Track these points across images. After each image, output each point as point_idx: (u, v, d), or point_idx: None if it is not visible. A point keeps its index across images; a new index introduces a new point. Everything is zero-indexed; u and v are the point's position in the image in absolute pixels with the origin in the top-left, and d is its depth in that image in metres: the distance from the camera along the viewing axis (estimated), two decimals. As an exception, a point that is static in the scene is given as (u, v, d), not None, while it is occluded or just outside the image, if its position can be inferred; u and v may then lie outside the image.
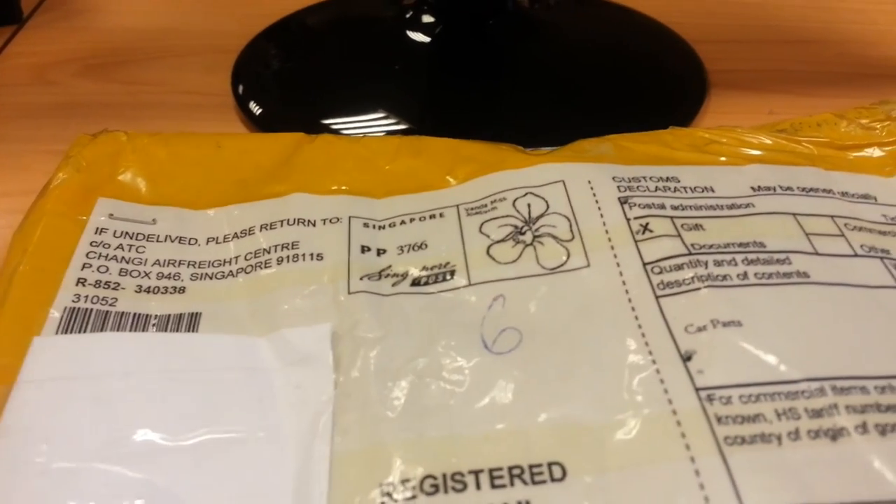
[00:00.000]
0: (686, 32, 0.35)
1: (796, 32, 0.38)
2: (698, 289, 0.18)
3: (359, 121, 0.29)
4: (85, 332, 0.18)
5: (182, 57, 0.36)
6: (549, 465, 0.15)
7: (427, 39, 0.33)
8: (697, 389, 0.16)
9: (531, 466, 0.15)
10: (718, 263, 0.18)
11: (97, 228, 0.20)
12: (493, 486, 0.15)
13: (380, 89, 0.31)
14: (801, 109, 0.31)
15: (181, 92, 0.33)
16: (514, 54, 0.33)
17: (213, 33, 0.37)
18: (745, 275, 0.18)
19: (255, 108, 0.30)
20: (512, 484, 0.15)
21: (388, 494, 0.15)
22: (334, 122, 0.29)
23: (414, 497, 0.15)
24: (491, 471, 0.15)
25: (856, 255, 0.19)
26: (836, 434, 0.15)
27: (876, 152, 0.23)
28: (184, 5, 0.40)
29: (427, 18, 0.33)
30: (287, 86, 0.32)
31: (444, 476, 0.15)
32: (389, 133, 0.28)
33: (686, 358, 0.16)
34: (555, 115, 0.30)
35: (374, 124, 0.29)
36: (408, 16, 0.34)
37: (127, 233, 0.20)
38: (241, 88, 0.32)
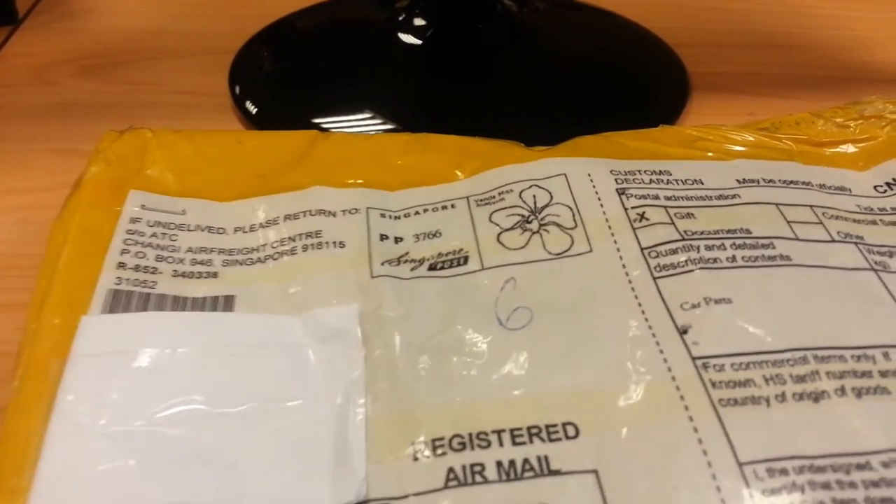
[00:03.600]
0: (669, 36, 0.37)
1: (775, 37, 0.39)
2: (692, 270, 0.20)
3: (351, 120, 0.30)
4: (129, 311, 0.19)
5: (178, 58, 0.36)
6: (564, 424, 0.17)
7: (418, 42, 0.34)
8: (693, 358, 0.18)
9: (547, 426, 0.17)
10: (709, 248, 0.20)
11: (131, 218, 0.21)
12: (515, 444, 0.16)
13: (372, 90, 0.32)
14: (779, 111, 0.32)
15: (178, 92, 0.34)
16: (503, 57, 0.34)
17: (208, 35, 0.38)
18: (734, 258, 0.20)
19: (252, 108, 0.31)
20: (531, 441, 0.16)
21: (421, 450, 0.16)
22: (328, 120, 0.30)
23: (444, 453, 0.16)
24: (511, 430, 0.17)
25: (833, 241, 0.21)
26: (817, 396, 0.17)
27: (850, 148, 0.25)
28: (178, 7, 0.41)
29: (418, 21, 0.34)
30: (283, 86, 0.33)
31: (470, 435, 0.17)
32: (381, 132, 0.29)
33: (682, 331, 0.18)
34: (542, 115, 0.31)
35: (366, 124, 0.30)
36: (400, 18, 0.35)
37: (159, 222, 0.21)
38: (237, 89, 0.33)
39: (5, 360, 0.21)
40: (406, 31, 0.34)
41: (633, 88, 0.33)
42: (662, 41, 0.36)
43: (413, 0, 0.35)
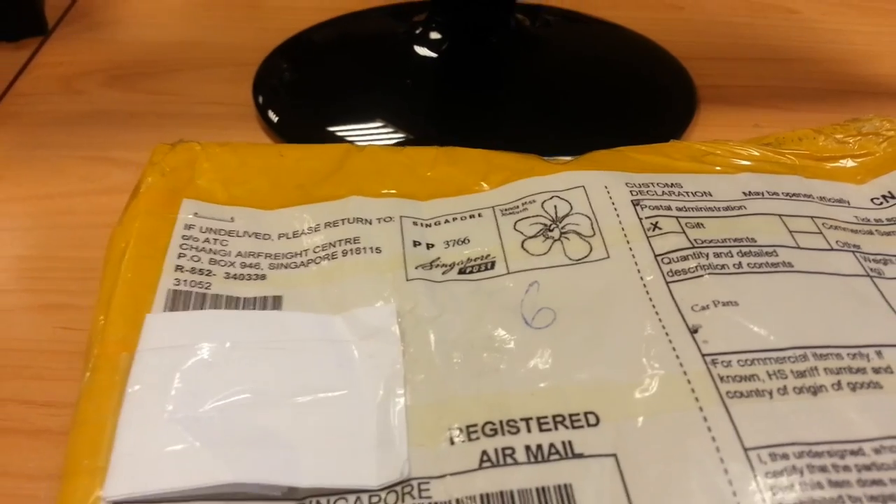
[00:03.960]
0: (676, 50, 0.38)
1: (780, 51, 0.40)
2: (701, 276, 0.21)
3: (370, 129, 0.32)
4: (188, 310, 0.21)
5: (203, 69, 0.38)
6: (585, 414, 0.18)
7: (434, 55, 0.35)
8: (703, 355, 0.19)
9: (570, 415, 0.18)
10: (717, 255, 0.22)
11: (186, 224, 0.23)
12: (541, 430, 0.18)
13: (390, 100, 0.34)
14: (784, 123, 0.34)
15: (204, 102, 0.35)
16: (516, 69, 0.36)
17: (232, 47, 0.39)
18: (740, 264, 0.22)
19: (274, 118, 0.33)
20: (556, 428, 0.18)
21: (456, 435, 0.18)
22: (347, 129, 0.32)
23: (478, 438, 0.18)
24: (538, 418, 0.18)
25: (832, 249, 0.23)
26: (816, 390, 0.19)
27: (849, 163, 0.27)
28: (202, 20, 0.42)
29: (434, 35, 0.36)
30: (304, 96, 0.35)
31: (501, 422, 0.18)
32: (398, 141, 0.31)
33: (693, 331, 0.20)
34: (555, 125, 0.32)
35: (384, 133, 0.32)
36: (416, 32, 0.36)
37: (211, 228, 0.23)
38: (261, 99, 0.34)
39: (47, 357, 0.23)
40: (422, 45, 0.36)
41: (643, 100, 0.35)
42: (670, 54, 0.38)
43: (429, 15, 0.37)
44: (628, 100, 0.34)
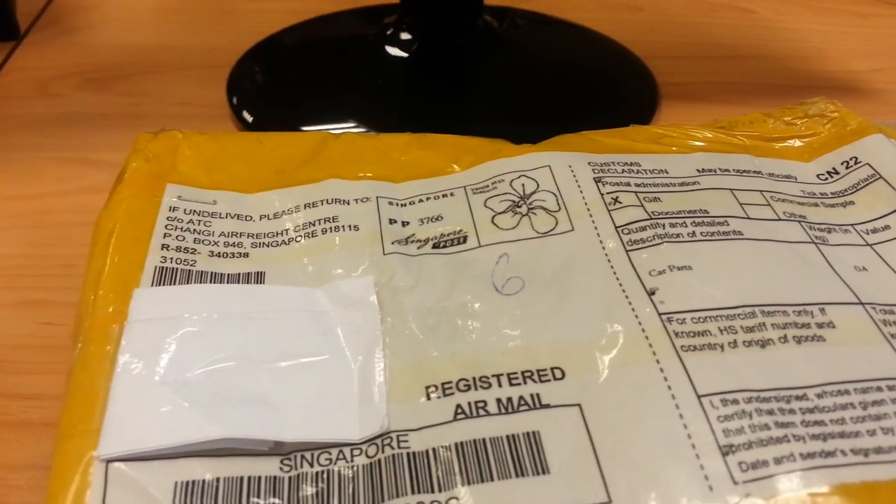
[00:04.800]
0: (638, 49, 0.40)
1: (738, 49, 0.42)
2: (658, 244, 0.23)
3: (343, 127, 0.33)
4: (174, 285, 0.22)
5: (177, 71, 0.38)
6: (552, 369, 0.20)
7: (405, 55, 0.36)
8: (660, 314, 0.21)
9: (538, 370, 0.20)
10: (673, 225, 0.23)
11: (170, 207, 0.24)
12: (511, 385, 0.19)
13: (362, 100, 0.34)
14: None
15: (178, 103, 0.36)
16: (485, 69, 0.37)
17: (205, 49, 0.40)
18: (694, 233, 0.23)
19: (249, 118, 0.33)
20: (525, 382, 0.19)
21: (433, 392, 0.19)
22: (321, 128, 0.32)
23: (452, 393, 0.19)
24: (508, 374, 0.20)
25: (779, 220, 0.24)
26: (764, 343, 0.20)
27: (797, 143, 0.28)
28: (174, 23, 0.43)
29: (405, 36, 0.37)
30: (278, 97, 0.35)
31: (474, 378, 0.20)
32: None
33: (651, 293, 0.21)
34: (521, 123, 0.34)
35: (356, 131, 0.32)
36: (387, 33, 0.37)
37: (194, 210, 0.24)
38: (235, 99, 0.35)
39: (28, 352, 0.24)
40: (393, 45, 0.37)
41: (607, 98, 0.36)
42: (633, 54, 0.39)
43: (400, 16, 0.38)
44: (592, 97, 0.36)
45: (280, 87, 0.36)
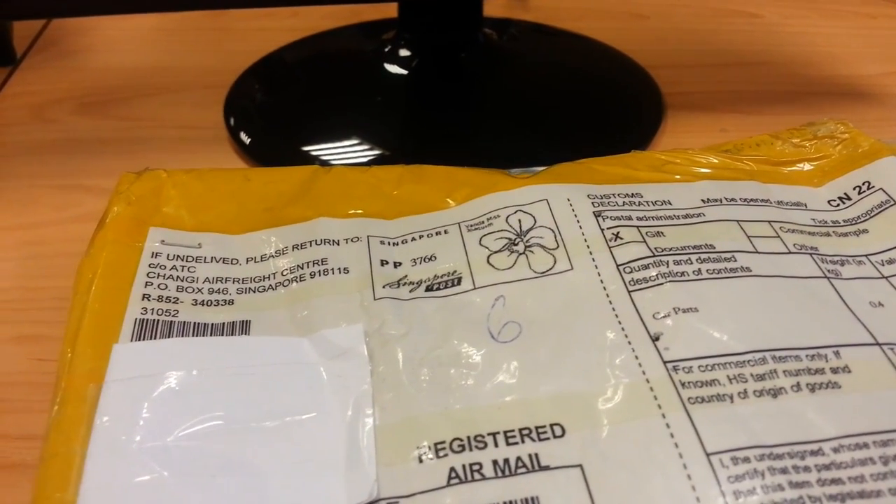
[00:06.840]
0: (642, 59, 0.39)
1: (744, 56, 0.41)
2: (662, 283, 0.22)
3: (342, 147, 0.32)
4: (154, 338, 0.21)
5: (174, 93, 0.38)
6: (551, 425, 0.19)
7: (404, 72, 0.36)
8: (665, 362, 0.20)
9: (537, 427, 0.19)
10: (677, 262, 0.22)
11: (153, 253, 0.23)
12: (508, 444, 0.18)
13: (361, 118, 0.34)
14: (749, 126, 0.35)
15: (176, 126, 0.35)
16: (486, 83, 0.36)
17: (201, 70, 0.40)
18: (700, 271, 0.22)
19: (246, 139, 0.33)
20: (523, 441, 0.18)
21: (425, 453, 0.18)
22: (320, 148, 0.32)
23: (446, 455, 0.18)
24: (505, 432, 0.19)
25: (789, 252, 0.23)
26: (776, 392, 0.19)
27: (806, 166, 0.27)
28: (172, 44, 0.43)
29: (404, 52, 0.36)
30: (276, 117, 0.35)
31: (468, 438, 0.19)
32: (371, 159, 0.31)
33: (655, 338, 0.20)
34: (524, 137, 0.33)
35: (356, 151, 0.32)
36: (386, 50, 0.37)
37: (178, 256, 0.23)
38: (232, 121, 0.34)
39: (21, 390, 0.23)
40: (392, 62, 0.36)
41: (611, 109, 0.35)
42: (637, 63, 0.38)
43: (398, 32, 0.37)
44: (597, 109, 0.35)
45: (278, 107, 0.36)
